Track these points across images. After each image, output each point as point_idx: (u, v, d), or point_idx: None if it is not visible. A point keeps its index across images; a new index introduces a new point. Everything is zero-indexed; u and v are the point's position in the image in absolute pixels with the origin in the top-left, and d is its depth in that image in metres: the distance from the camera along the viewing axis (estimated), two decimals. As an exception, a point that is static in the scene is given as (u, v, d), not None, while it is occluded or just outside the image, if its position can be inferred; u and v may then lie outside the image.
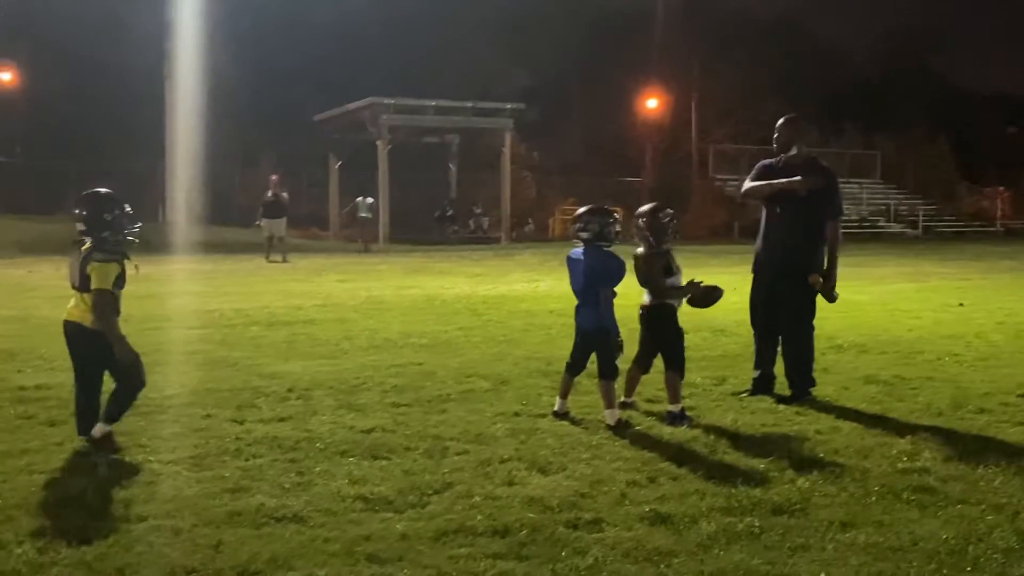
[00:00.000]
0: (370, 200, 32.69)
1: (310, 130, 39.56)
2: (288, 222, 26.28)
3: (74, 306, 5.97)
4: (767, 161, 7.84)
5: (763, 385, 7.62)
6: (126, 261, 5.98)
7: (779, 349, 7.68)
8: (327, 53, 41.88)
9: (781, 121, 7.71)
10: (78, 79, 37.11)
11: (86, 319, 5.90)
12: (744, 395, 7.54)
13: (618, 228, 6.93)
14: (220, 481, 5.24)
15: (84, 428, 5.95)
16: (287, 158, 38.53)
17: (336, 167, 39.74)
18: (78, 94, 37.54)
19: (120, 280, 5.94)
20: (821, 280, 7.45)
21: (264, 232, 25.34)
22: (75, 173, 35.43)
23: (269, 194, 25.52)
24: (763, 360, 7.69)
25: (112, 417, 5.90)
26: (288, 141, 39.99)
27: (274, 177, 26.48)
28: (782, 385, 7.62)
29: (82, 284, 5.88)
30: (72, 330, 5.99)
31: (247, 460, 5.67)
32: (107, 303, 5.86)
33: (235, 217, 33.68)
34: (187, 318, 12.00)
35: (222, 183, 33.90)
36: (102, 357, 5.95)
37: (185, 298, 13.59)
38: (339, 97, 37.53)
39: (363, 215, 32.33)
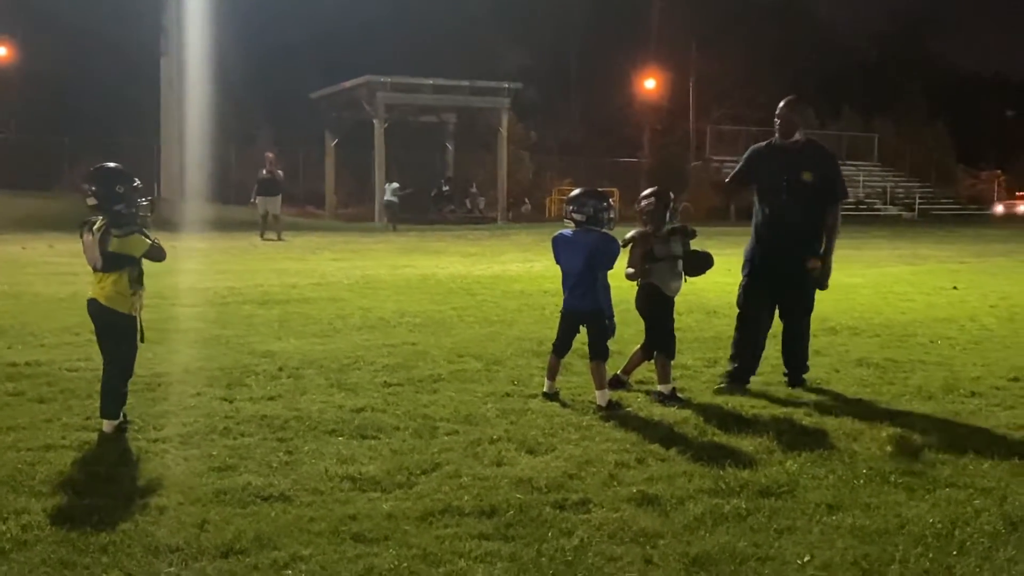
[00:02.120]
0: (395, 184, 33.42)
1: (307, 108, 39.41)
2: (284, 200, 26.24)
3: (97, 286, 5.91)
4: (758, 146, 7.58)
5: (741, 377, 7.27)
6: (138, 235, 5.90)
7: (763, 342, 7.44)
8: (326, 31, 41.71)
9: (783, 104, 7.34)
10: (74, 54, 36.95)
11: (102, 295, 5.87)
12: (722, 386, 7.16)
13: (612, 214, 6.90)
14: (207, 460, 5.23)
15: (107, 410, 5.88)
16: (284, 136, 38.41)
17: (332, 145, 39.62)
18: (74, 70, 37.38)
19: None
20: (820, 265, 7.23)
21: (259, 210, 25.28)
22: (70, 149, 35.31)
23: (264, 172, 25.44)
24: (745, 353, 7.34)
25: (113, 413, 5.83)
26: (285, 119, 39.86)
27: (269, 155, 26.39)
28: (765, 379, 7.56)
29: (105, 263, 5.82)
30: (94, 309, 5.95)
31: (235, 439, 5.66)
32: (158, 249, 5.92)
33: (231, 195, 33.59)
34: (180, 296, 11.97)
35: (218, 160, 33.80)
36: (113, 337, 5.93)
37: (179, 276, 13.54)
38: (337, 75, 37.38)
39: (388, 199, 33.19)
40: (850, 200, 42.41)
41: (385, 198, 33.52)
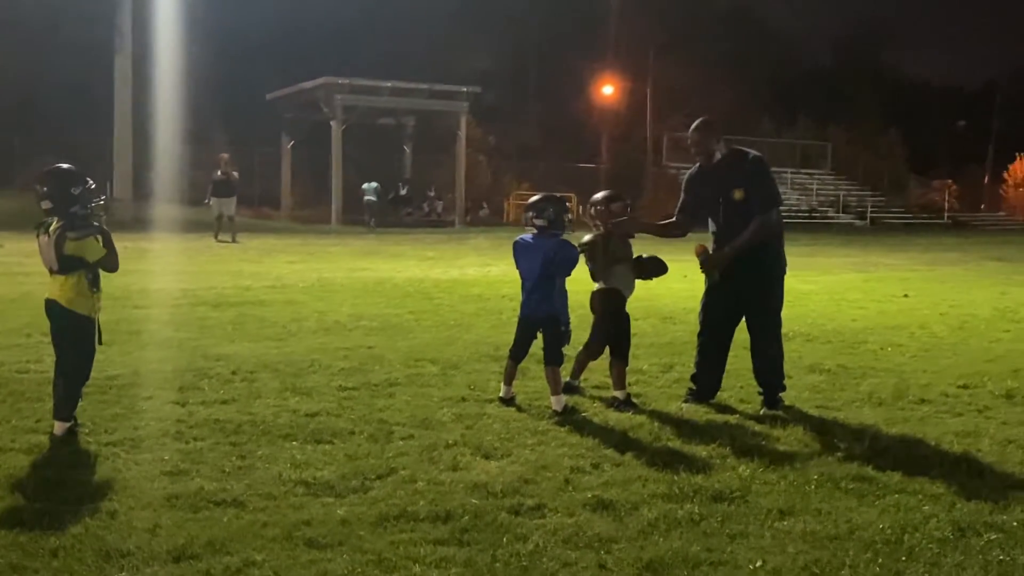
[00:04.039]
0: (375, 184, 34.17)
1: (264, 108, 39.12)
2: (239, 201, 26.06)
3: (57, 288, 5.82)
4: (691, 172, 7.27)
5: (702, 398, 7.05)
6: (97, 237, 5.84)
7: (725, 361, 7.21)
8: (284, 31, 41.40)
9: (692, 129, 7.09)
10: (25, 51, 36.33)
11: (62, 297, 5.80)
12: (684, 405, 6.94)
13: (570, 216, 6.96)
14: (159, 464, 5.18)
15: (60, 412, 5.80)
16: (240, 136, 38.07)
17: (289, 146, 39.38)
18: (28, 67, 36.75)
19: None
20: (707, 252, 6.89)
21: (214, 211, 25.07)
22: (22, 148, 34.77)
23: (219, 173, 25.23)
24: (706, 376, 7.12)
25: (66, 415, 5.76)
26: (241, 119, 39.50)
27: (224, 155, 26.16)
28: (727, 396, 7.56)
29: (61, 266, 5.75)
30: (55, 311, 5.87)
31: (188, 443, 5.61)
32: (112, 259, 5.86)
33: (185, 195, 33.23)
34: (133, 297, 11.84)
35: (172, 160, 33.45)
36: (72, 339, 5.85)
37: (132, 277, 13.39)
38: (295, 76, 37.16)
39: (369, 198, 34.30)
40: (803, 208, 43.14)
41: (365, 198, 34.10)
